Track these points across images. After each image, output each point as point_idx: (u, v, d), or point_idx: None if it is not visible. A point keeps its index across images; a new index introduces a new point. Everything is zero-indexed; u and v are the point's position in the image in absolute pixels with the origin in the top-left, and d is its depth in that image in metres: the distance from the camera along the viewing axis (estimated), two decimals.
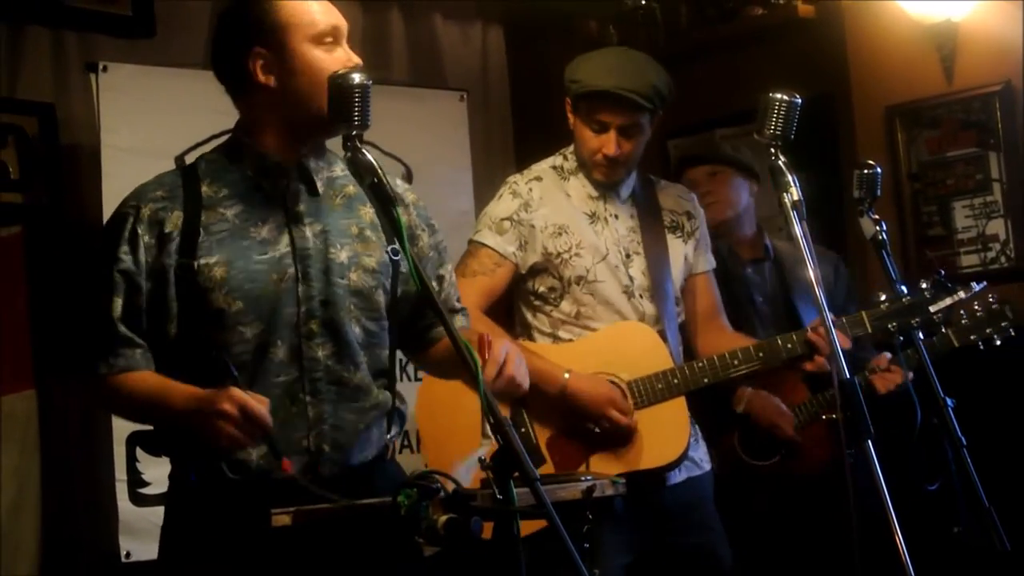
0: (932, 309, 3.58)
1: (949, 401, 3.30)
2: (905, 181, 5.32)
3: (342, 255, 2.73)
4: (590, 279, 3.69)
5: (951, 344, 3.96)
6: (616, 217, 3.77)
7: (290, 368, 2.67)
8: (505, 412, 2.50)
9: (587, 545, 2.46)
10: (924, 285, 3.59)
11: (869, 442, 2.73)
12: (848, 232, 5.33)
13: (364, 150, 2.48)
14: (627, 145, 3.69)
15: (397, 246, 2.72)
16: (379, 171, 2.46)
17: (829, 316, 2.90)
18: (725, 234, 4.44)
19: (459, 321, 2.97)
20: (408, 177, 3.02)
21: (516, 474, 2.24)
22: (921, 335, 3.48)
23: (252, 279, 2.64)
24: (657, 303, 3.74)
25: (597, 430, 3.56)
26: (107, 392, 2.69)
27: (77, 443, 4.65)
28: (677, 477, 3.70)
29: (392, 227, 2.48)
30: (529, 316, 3.78)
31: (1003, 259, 5.08)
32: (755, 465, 4.26)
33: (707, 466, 3.81)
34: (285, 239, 2.69)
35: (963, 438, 3.24)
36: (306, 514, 2.36)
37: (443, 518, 2.21)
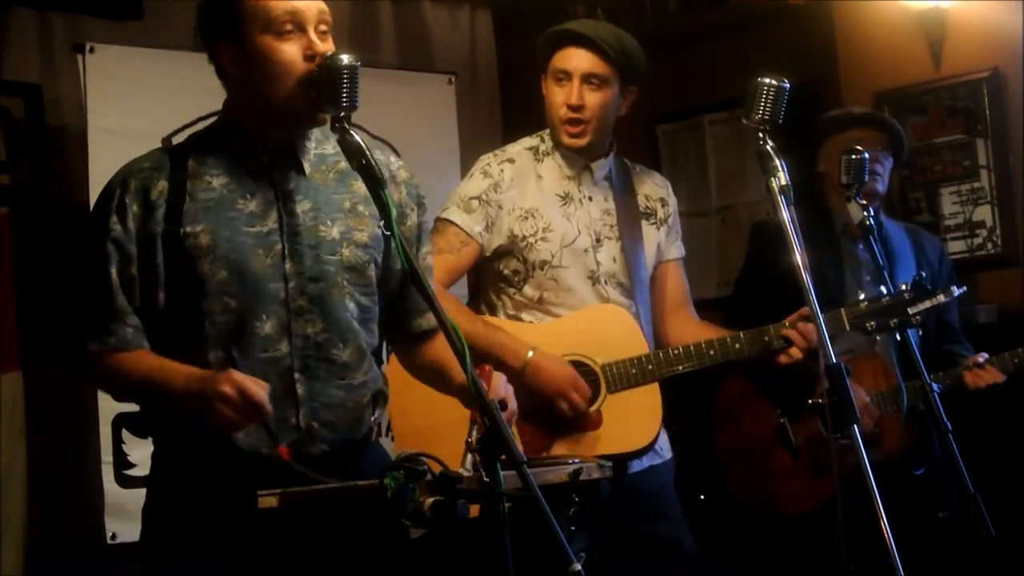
0: (911, 311, 3.59)
1: (935, 387, 3.31)
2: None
3: (333, 231, 2.72)
4: (554, 264, 3.67)
5: None
6: (590, 199, 3.75)
7: (278, 344, 2.66)
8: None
9: (573, 528, 2.47)
10: (904, 287, 3.59)
11: (855, 427, 2.73)
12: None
13: (353, 131, 2.49)
14: (591, 97, 3.66)
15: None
16: (368, 152, 2.47)
17: (817, 306, 2.89)
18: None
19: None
20: None
21: (503, 457, 2.25)
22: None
23: (237, 250, 2.64)
24: (631, 290, 3.73)
25: (557, 411, 3.54)
26: (99, 370, 2.69)
27: (63, 425, 4.63)
28: (639, 465, 3.68)
29: (380, 208, 2.48)
30: (493, 297, 3.76)
31: (989, 246, 5.09)
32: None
33: (667, 455, 3.80)
34: (273, 215, 2.69)
35: (949, 424, 3.25)
36: (292, 496, 2.36)
37: (429, 500, 2.22)
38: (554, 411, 3.54)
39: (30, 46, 4.77)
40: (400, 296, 2.89)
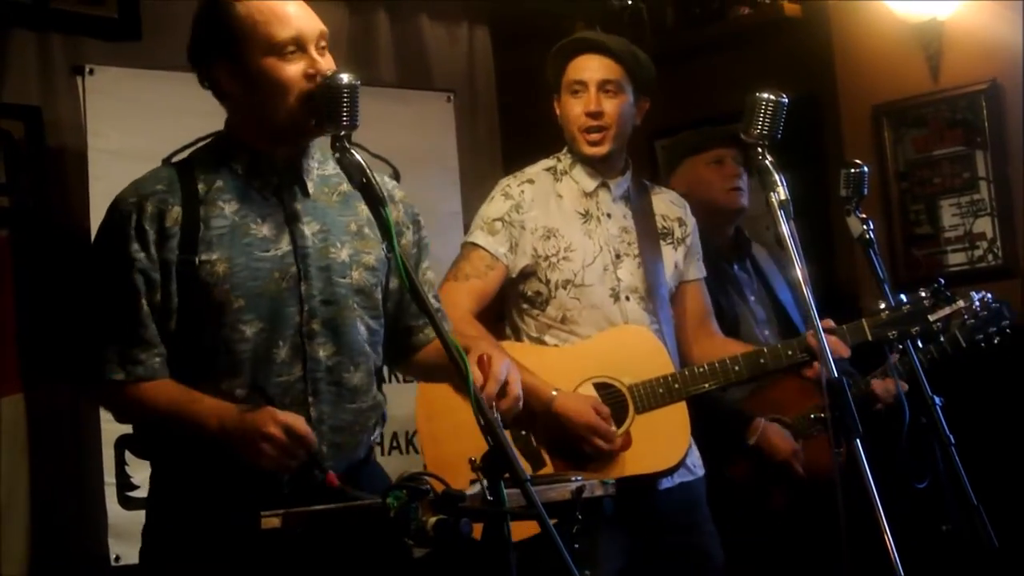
0: (931, 318, 3.58)
1: (937, 400, 3.30)
2: (892, 180, 5.33)
3: (343, 254, 2.72)
4: (577, 283, 3.67)
5: (959, 345, 3.99)
6: (609, 216, 3.76)
7: (292, 368, 2.65)
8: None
9: (577, 546, 2.47)
10: (924, 294, 3.59)
11: (858, 441, 2.73)
12: (835, 231, 5.33)
13: (353, 150, 2.49)
14: (609, 104, 3.70)
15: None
16: (368, 171, 2.47)
17: (819, 323, 2.90)
18: (721, 226, 4.39)
19: None
20: (396, 178, 3.02)
21: (506, 475, 2.24)
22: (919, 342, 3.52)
23: (254, 277, 2.63)
24: (652, 306, 3.72)
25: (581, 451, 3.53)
26: (120, 400, 2.66)
27: (66, 447, 4.63)
28: (669, 482, 3.67)
29: (382, 227, 2.48)
30: (518, 320, 3.77)
31: (990, 257, 5.09)
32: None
33: (700, 472, 3.79)
34: (286, 238, 2.68)
35: (951, 436, 3.25)
36: (295, 517, 2.36)
37: (432, 519, 2.21)
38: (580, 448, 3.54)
39: (29, 68, 4.78)
40: (399, 314, 2.89)
